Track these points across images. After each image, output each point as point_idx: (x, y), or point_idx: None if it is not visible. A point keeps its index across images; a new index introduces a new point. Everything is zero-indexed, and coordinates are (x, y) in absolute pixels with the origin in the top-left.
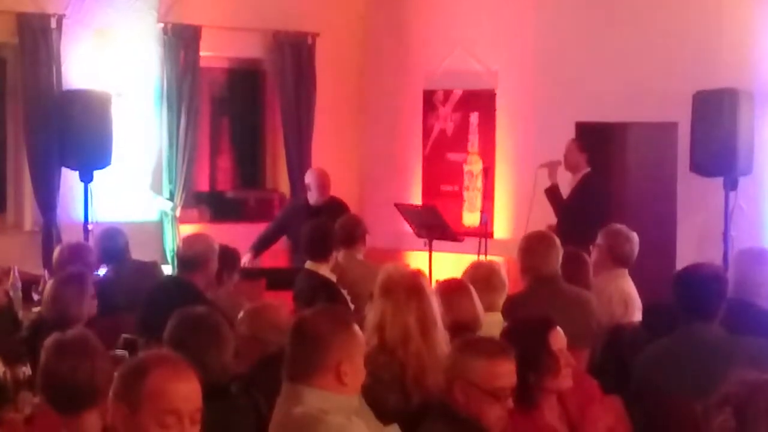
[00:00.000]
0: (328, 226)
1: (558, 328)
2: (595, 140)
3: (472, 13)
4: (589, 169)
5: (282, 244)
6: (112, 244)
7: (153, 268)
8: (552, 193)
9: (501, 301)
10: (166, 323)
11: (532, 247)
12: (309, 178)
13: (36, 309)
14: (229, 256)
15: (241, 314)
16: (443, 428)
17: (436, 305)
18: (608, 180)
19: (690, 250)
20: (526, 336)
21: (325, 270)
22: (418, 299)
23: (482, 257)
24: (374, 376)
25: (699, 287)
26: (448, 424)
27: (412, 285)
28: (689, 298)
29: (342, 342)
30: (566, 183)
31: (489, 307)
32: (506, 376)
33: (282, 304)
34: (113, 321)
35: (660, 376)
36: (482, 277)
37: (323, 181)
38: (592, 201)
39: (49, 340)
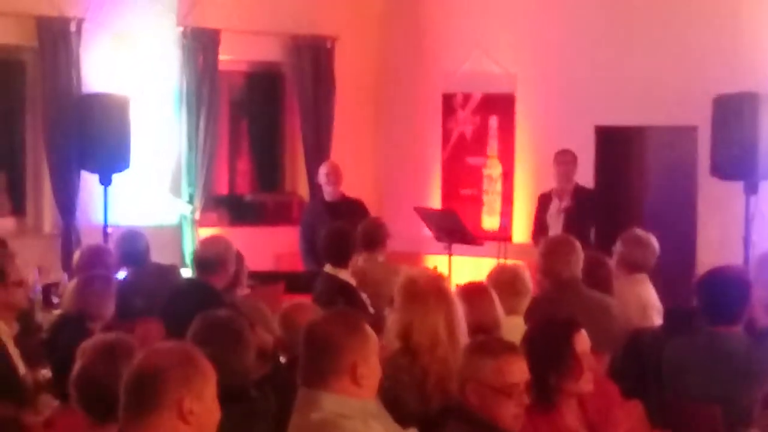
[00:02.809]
0: (346, 230)
1: (582, 330)
2: (615, 143)
3: (491, 16)
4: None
5: (297, 247)
6: (133, 247)
7: (173, 271)
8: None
9: (524, 305)
10: (185, 325)
11: (553, 250)
12: (322, 173)
13: (56, 312)
14: (240, 258)
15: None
16: (461, 431)
17: (461, 310)
18: (628, 183)
19: (710, 254)
20: (550, 337)
21: (344, 274)
22: (447, 305)
23: (502, 261)
24: (395, 379)
25: (723, 291)
26: (465, 426)
27: (439, 290)
28: (713, 301)
29: (355, 344)
30: None
31: (512, 311)
32: (516, 372)
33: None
34: (132, 325)
35: (682, 381)
36: (507, 280)
37: (336, 174)
38: (604, 207)
39: (90, 342)
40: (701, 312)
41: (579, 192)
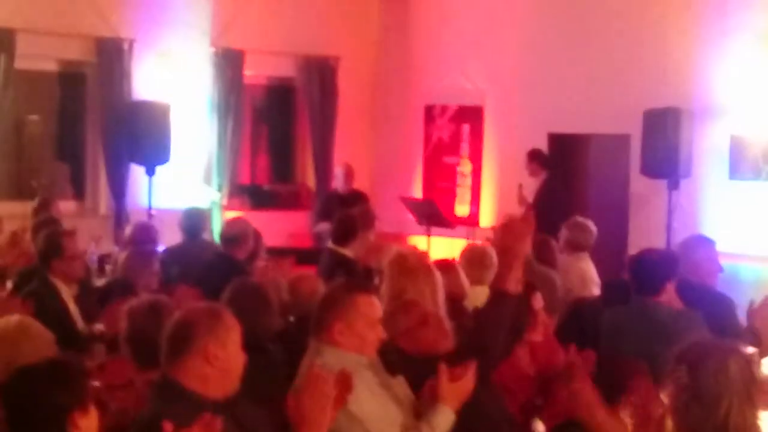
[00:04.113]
0: (351, 216)
1: (538, 292)
2: (564, 148)
3: (465, 43)
4: (546, 175)
5: (306, 228)
6: (192, 220)
7: (207, 245)
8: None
9: (490, 277)
10: (214, 288)
11: None
12: (339, 170)
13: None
14: (258, 236)
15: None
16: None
17: (441, 281)
18: (573, 180)
19: (639, 238)
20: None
21: (346, 251)
22: (432, 277)
23: (471, 241)
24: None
25: (650, 268)
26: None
27: (426, 266)
28: (642, 277)
29: (341, 306)
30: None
31: (480, 281)
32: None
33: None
34: (172, 289)
35: (616, 342)
36: (476, 257)
37: (349, 174)
38: (551, 198)
39: (134, 303)
40: (632, 285)
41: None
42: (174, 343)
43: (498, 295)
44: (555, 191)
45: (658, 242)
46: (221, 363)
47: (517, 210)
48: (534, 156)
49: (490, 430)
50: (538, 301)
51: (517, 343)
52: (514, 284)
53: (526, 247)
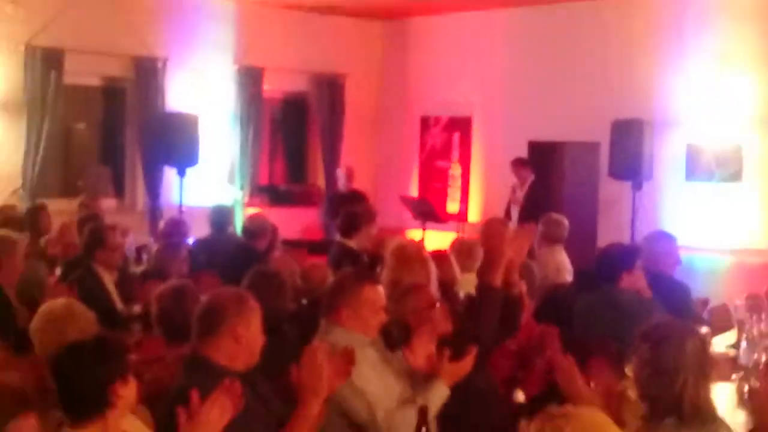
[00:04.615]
0: (355, 212)
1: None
2: (542, 154)
3: (456, 62)
4: (533, 178)
5: (317, 223)
6: (220, 215)
7: (236, 237)
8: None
9: (477, 265)
10: (236, 275)
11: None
12: (340, 172)
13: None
14: (275, 230)
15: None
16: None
17: (435, 269)
18: (550, 182)
19: (607, 233)
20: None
21: (352, 243)
22: (426, 265)
23: (460, 234)
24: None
25: (617, 260)
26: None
27: (421, 256)
28: (609, 267)
29: (348, 292)
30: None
31: (468, 270)
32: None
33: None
34: (197, 276)
35: (587, 323)
36: (466, 248)
37: (350, 175)
38: (537, 198)
39: (167, 287)
40: (601, 274)
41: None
42: (205, 323)
43: (485, 289)
44: (539, 192)
45: (624, 237)
46: (246, 341)
47: (500, 208)
48: (523, 163)
49: (479, 405)
50: (522, 287)
51: (508, 337)
52: (498, 280)
53: (511, 250)
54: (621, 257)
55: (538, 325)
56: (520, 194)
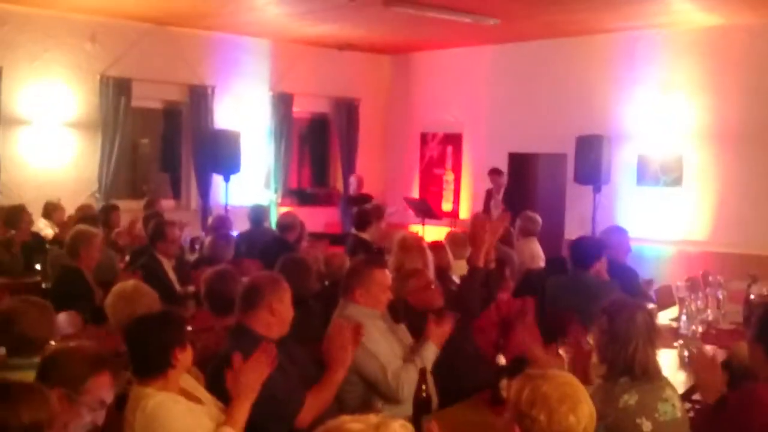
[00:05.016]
0: (366, 209)
1: (508, 266)
2: (520, 163)
3: (449, 89)
4: (506, 184)
5: (336, 219)
6: (257, 213)
7: (271, 230)
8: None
9: (467, 254)
10: (272, 261)
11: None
12: (352, 180)
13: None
14: (302, 225)
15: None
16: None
17: (431, 256)
18: (526, 186)
19: (572, 227)
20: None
21: (365, 235)
22: (424, 253)
23: (453, 229)
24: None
25: (583, 249)
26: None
27: (420, 245)
28: (578, 255)
29: (365, 273)
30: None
31: (460, 257)
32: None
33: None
34: (240, 262)
35: (557, 301)
36: (459, 239)
37: (360, 182)
38: (515, 200)
39: (212, 271)
40: (571, 261)
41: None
42: (246, 300)
43: (471, 269)
44: (517, 194)
45: (586, 230)
46: (279, 314)
47: (480, 206)
48: (498, 172)
49: (464, 362)
50: (508, 272)
51: (490, 303)
52: (482, 261)
53: (492, 237)
54: (593, 248)
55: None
56: (498, 198)
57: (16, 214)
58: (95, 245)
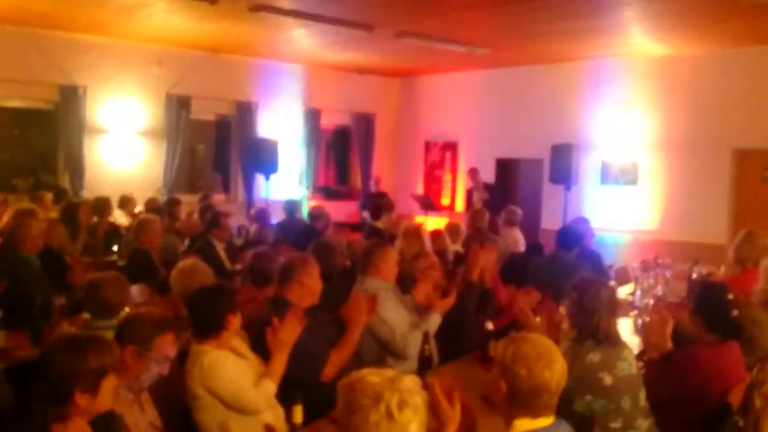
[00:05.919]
0: (380, 202)
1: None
2: (505, 167)
3: (448, 105)
4: (484, 182)
5: (356, 211)
6: (289, 207)
7: (303, 220)
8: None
9: (462, 239)
10: (303, 245)
11: (473, 216)
12: (373, 180)
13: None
14: (328, 216)
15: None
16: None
17: (429, 242)
18: (510, 185)
19: (548, 219)
20: None
21: (378, 224)
22: (422, 239)
23: (450, 220)
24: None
25: (568, 235)
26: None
27: (419, 232)
28: (568, 240)
29: (379, 253)
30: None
31: (456, 243)
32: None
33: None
34: (277, 245)
35: (537, 279)
36: (454, 228)
37: (378, 182)
38: (500, 196)
39: (254, 252)
40: (562, 245)
41: (487, 187)
42: (283, 275)
43: (466, 283)
44: (502, 192)
45: (558, 221)
46: (309, 287)
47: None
48: (476, 172)
49: (463, 331)
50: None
51: (488, 310)
52: (476, 276)
53: (484, 259)
54: (575, 235)
55: (502, 280)
56: (484, 193)
57: (103, 203)
58: (153, 230)
